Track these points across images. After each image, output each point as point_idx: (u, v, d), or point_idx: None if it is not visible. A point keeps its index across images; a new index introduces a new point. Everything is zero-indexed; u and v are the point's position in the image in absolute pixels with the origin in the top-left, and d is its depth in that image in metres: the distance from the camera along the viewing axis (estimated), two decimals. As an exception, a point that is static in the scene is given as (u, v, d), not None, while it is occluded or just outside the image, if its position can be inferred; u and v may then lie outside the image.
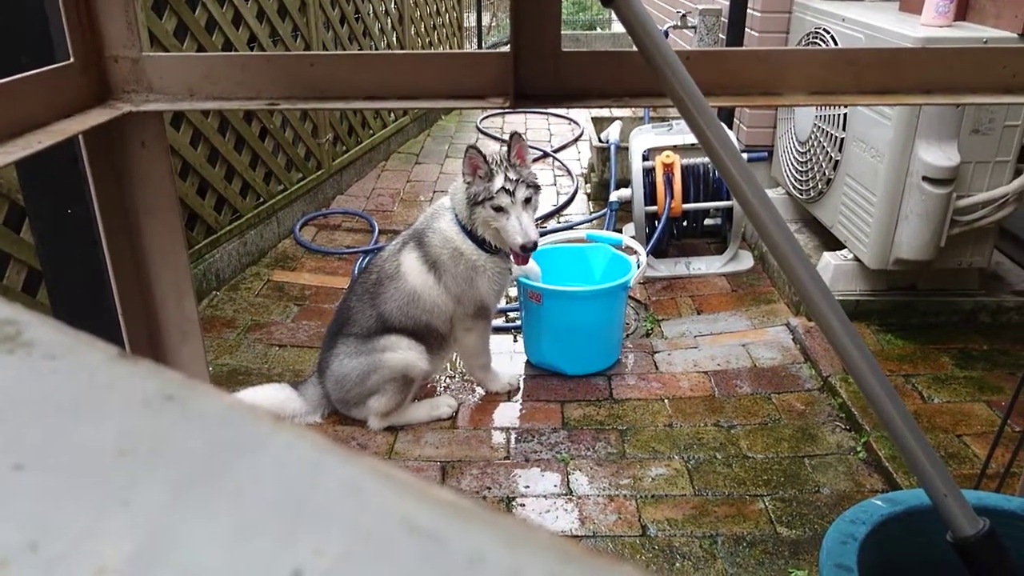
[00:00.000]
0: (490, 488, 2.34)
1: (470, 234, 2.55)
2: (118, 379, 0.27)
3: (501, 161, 2.49)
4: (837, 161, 3.12)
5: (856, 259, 3.05)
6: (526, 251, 2.50)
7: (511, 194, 2.45)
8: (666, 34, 4.44)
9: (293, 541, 0.21)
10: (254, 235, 3.75)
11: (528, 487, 2.34)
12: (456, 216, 2.57)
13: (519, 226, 2.47)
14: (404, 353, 2.56)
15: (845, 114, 3.04)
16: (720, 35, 4.24)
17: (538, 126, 6.06)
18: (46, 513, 0.22)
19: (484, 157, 2.47)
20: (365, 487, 0.22)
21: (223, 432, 0.25)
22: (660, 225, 3.58)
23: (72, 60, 1.01)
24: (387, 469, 0.23)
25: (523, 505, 2.27)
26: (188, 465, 0.23)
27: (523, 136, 2.54)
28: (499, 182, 2.45)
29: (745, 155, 3.65)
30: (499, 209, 2.47)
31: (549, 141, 5.68)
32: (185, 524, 0.21)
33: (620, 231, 3.77)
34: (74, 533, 0.21)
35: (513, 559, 0.20)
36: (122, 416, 0.26)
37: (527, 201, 2.49)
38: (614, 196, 3.90)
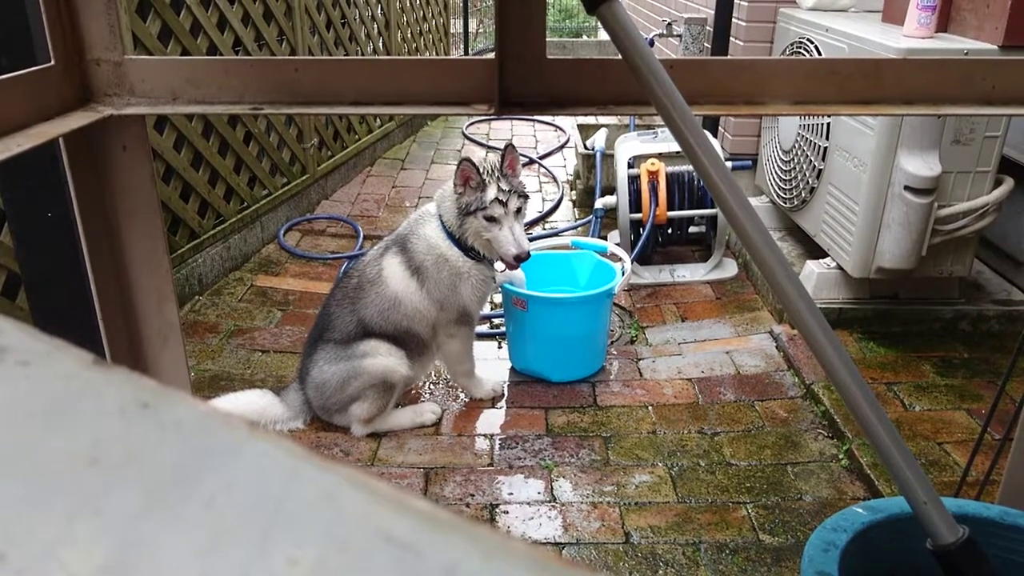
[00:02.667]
0: (473, 495, 2.33)
1: (456, 241, 2.55)
2: (92, 386, 0.27)
3: (493, 171, 2.50)
4: (820, 170, 3.14)
5: (839, 267, 3.08)
6: (519, 261, 2.51)
7: (504, 204, 2.47)
8: (651, 43, 4.46)
9: (267, 550, 0.20)
10: (238, 240, 3.73)
11: (512, 494, 2.34)
12: (442, 222, 2.57)
13: (512, 237, 2.48)
14: (384, 359, 2.55)
15: (828, 123, 3.07)
16: (705, 44, 4.26)
17: (524, 132, 6.07)
18: (16, 522, 0.21)
19: (477, 168, 2.47)
20: (341, 496, 0.22)
21: (198, 440, 0.24)
22: (645, 232, 3.59)
23: (53, 62, 1.00)
24: (363, 478, 0.23)
25: (506, 512, 2.27)
26: (162, 473, 0.23)
27: (515, 148, 2.56)
28: (492, 193, 2.46)
29: (729, 163, 3.68)
30: (491, 219, 2.48)
31: (535, 147, 5.69)
32: (157, 533, 0.21)
33: (605, 238, 3.78)
34: (44, 542, 0.21)
35: (488, 570, 0.20)
36: (96, 424, 0.25)
37: (518, 211, 2.51)
38: (599, 203, 3.91)
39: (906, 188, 2.72)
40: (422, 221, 2.63)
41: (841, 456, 2.47)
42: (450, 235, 2.56)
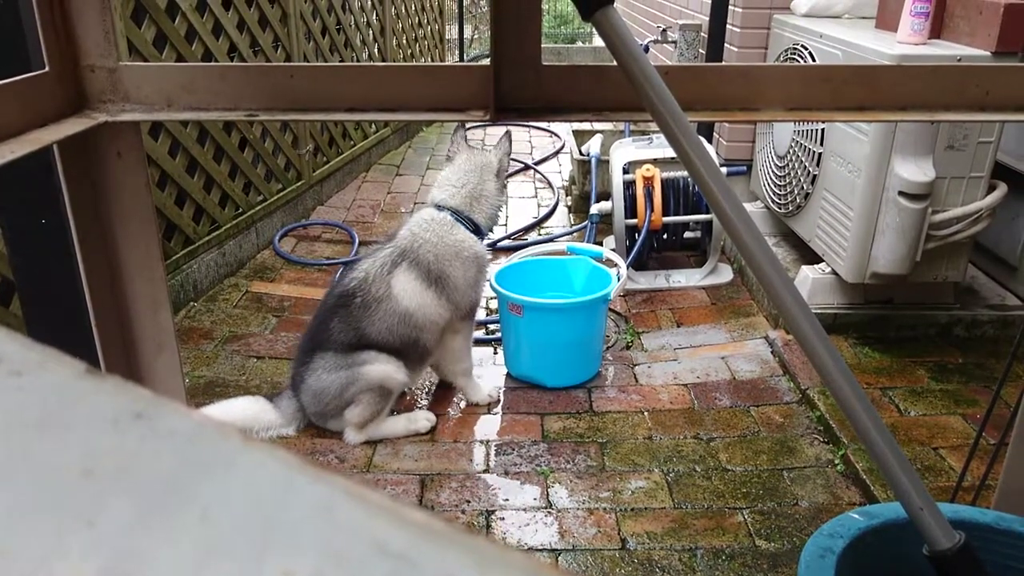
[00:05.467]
0: (469, 501, 2.33)
1: (475, 230, 2.64)
2: (85, 396, 0.27)
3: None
4: (815, 176, 3.15)
5: (834, 273, 3.08)
6: None
7: None
8: (646, 49, 4.47)
9: (261, 563, 0.20)
10: (233, 246, 3.73)
11: (507, 500, 2.33)
12: (465, 221, 2.61)
13: None
14: (383, 366, 2.54)
15: (823, 129, 3.08)
16: (700, 50, 4.28)
17: (520, 138, 6.07)
18: (7, 534, 0.21)
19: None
20: (336, 507, 0.22)
21: (192, 450, 0.24)
22: (640, 238, 3.60)
23: (47, 69, 1.00)
24: (359, 489, 0.23)
25: (502, 519, 2.26)
26: (155, 484, 0.23)
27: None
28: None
29: (724, 169, 3.68)
30: None
31: (530, 153, 5.70)
32: (151, 545, 0.21)
33: (601, 244, 3.78)
34: (36, 555, 0.21)
35: (486, 581, 0.20)
36: (89, 434, 0.25)
37: None
38: (595, 209, 3.91)
39: (900, 193, 2.73)
40: (441, 227, 2.60)
41: (837, 461, 2.47)
42: (475, 228, 2.64)
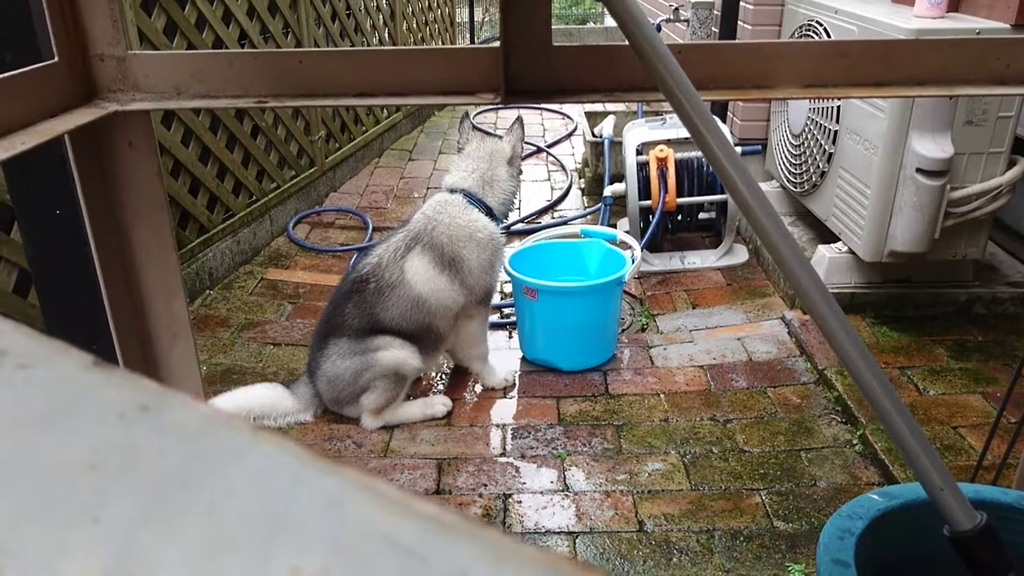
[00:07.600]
0: (486, 485, 2.33)
1: (491, 213, 2.65)
2: (92, 389, 0.26)
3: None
4: (831, 154, 3.11)
5: (850, 252, 3.05)
6: None
7: None
8: (659, 28, 4.42)
9: (269, 558, 0.20)
10: (247, 233, 3.74)
11: (524, 484, 2.34)
12: (477, 204, 2.63)
13: None
14: (397, 351, 2.55)
15: (838, 106, 3.04)
16: (713, 28, 4.23)
17: (532, 121, 6.04)
18: (12, 531, 0.21)
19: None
20: (346, 501, 0.22)
21: (199, 444, 0.24)
22: (654, 220, 3.58)
23: (57, 59, 1.00)
24: (369, 481, 0.22)
25: (519, 502, 2.27)
26: (161, 479, 0.23)
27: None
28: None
29: (738, 148, 3.65)
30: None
31: (543, 136, 5.67)
32: (156, 541, 0.21)
33: (615, 226, 3.76)
34: (41, 551, 0.20)
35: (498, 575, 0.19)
36: (95, 428, 0.25)
37: None
38: (608, 191, 3.89)
39: (918, 170, 2.69)
40: (454, 208, 2.62)
41: (855, 441, 2.46)
42: (490, 212, 2.65)
